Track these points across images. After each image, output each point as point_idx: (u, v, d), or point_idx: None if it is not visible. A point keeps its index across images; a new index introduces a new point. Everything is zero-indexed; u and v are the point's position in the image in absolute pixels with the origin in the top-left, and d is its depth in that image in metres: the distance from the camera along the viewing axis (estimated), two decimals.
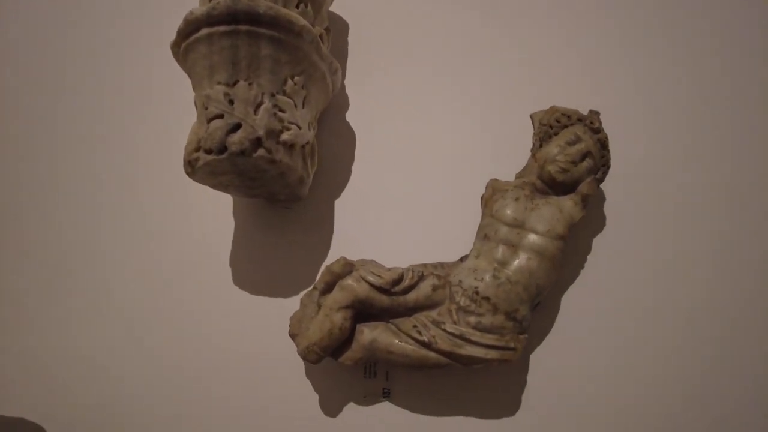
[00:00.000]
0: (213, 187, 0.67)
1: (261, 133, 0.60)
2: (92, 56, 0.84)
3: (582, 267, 0.71)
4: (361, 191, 0.75)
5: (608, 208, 0.73)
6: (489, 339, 0.61)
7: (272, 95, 0.63)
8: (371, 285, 0.62)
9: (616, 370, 0.68)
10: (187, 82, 0.67)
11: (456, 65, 0.80)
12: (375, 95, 0.79)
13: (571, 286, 0.71)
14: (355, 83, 0.80)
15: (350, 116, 0.79)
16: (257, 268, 0.73)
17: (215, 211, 0.75)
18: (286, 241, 0.73)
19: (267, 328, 0.69)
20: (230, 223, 0.75)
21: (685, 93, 0.78)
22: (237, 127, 0.60)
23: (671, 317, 0.69)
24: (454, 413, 0.67)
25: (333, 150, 0.77)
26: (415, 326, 0.62)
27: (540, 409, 0.66)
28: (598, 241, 0.72)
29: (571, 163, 0.66)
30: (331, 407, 0.67)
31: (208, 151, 0.60)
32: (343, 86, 0.80)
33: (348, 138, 0.78)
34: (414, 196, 0.75)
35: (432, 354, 0.61)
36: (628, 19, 0.82)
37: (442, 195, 0.74)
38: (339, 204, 0.75)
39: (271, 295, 0.72)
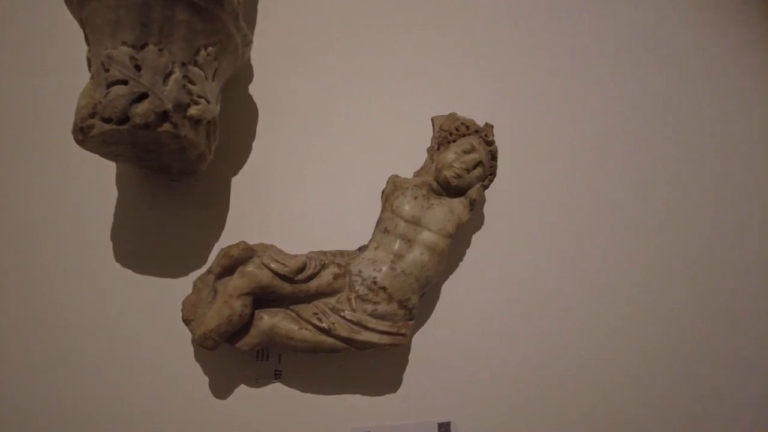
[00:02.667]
0: (102, 155, 0.61)
1: (169, 106, 0.56)
2: None
3: (461, 260, 0.80)
4: (260, 169, 0.74)
5: (487, 210, 0.83)
6: (383, 325, 0.66)
7: (183, 65, 0.58)
8: (274, 273, 0.63)
9: (488, 352, 0.77)
10: (75, 32, 0.58)
11: (368, 51, 0.82)
12: (282, 69, 0.77)
13: (450, 276, 0.79)
14: (262, 54, 0.77)
15: (254, 89, 0.76)
16: (144, 246, 0.68)
17: (95, 180, 0.68)
18: (176, 218, 0.69)
19: (154, 309, 0.66)
20: (112, 194, 0.68)
21: (572, 112, 0.89)
22: (143, 96, 0.55)
23: (537, 306, 0.80)
24: (342, 392, 0.71)
25: (233, 124, 0.73)
26: (315, 313, 0.64)
27: (420, 387, 0.74)
28: (476, 238, 0.81)
29: (464, 170, 0.72)
30: (222, 390, 0.67)
31: (107, 120, 0.55)
32: (248, 57, 0.76)
33: (250, 112, 0.75)
34: (314, 179, 0.76)
35: (330, 339, 0.64)
36: (533, 35, 0.90)
37: (342, 182, 0.76)
38: (236, 181, 0.73)
39: (158, 275, 0.68)
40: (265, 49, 0.77)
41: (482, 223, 0.82)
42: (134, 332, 0.66)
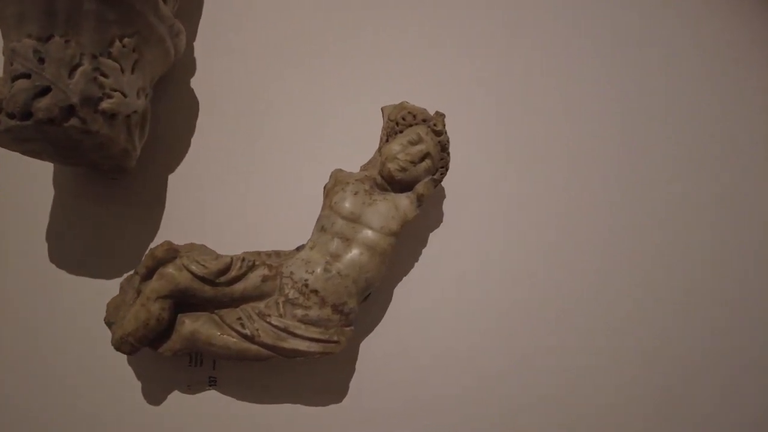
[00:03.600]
0: (23, 153, 0.59)
1: (75, 100, 0.54)
2: None
3: (416, 260, 0.74)
4: (199, 166, 0.71)
5: (447, 206, 0.77)
6: (313, 332, 0.61)
7: (94, 57, 0.56)
8: (194, 275, 0.59)
9: (442, 360, 0.72)
10: None
11: (316, 43, 0.78)
12: (225, 62, 0.74)
13: (405, 277, 0.74)
14: (206, 46, 0.75)
15: (195, 82, 0.73)
16: (77, 245, 0.66)
17: (30, 177, 0.67)
18: (111, 216, 0.67)
19: (85, 312, 0.64)
20: (48, 191, 0.67)
21: (539, 104, 0.83)
22: (46, 90, 0.53)
23: (496, 312, 0.74)
24: (282, 401, 0.67)
25: (171, 118, 0.71)
26: (239, 318, 0.60)
27: (366, 397, 0.69)
28: (434, 237, 0.76)
29: (410, 163, 0.67)
30: (154, 396, 0.64)
31: (11, 116, 0.53)
32: (192, 48, 0.74)
33: (190, 106, 0.72)
34: (256, 177, 0.72)
35: (254, 347, 0.60)
36: (494, 20, 0.85)
37: (285, 179, 0.72)
38: (173, 178, 0.70)
39: (91, 276, 0.66)
40: (210, 41, 0.75)
41: (441, 221, 0.76)
42: (64, 335, 0.64)
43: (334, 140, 0.75)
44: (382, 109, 0.72)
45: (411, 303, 0.73)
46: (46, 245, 0.66)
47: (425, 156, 0.68)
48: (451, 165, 0.75)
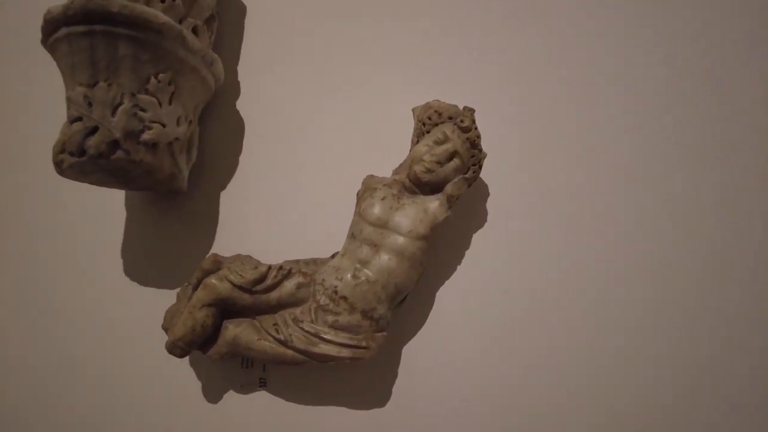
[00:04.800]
0: (92, 183, 0.68)
1: (118, 135, 0.61)
2: None
3: (459, 263, 0.72)
4: (247, 183, 0.76)
5: (491, 205, 0.73)
6: (343, 337, 0.62)
7: (132, 95, 0.63)
8: (233, 284, 0.64)
9: (486, 367, 0.69)
10: None
11: (353, 58, 0.79)
12: (266, 84, 0.79)
13: (447, 281, 0.72)
14: (248, 71, 0.79)
15: (240, 105, 0.78)
16: (144, 259, 0.75)
17: (106, 202, 0.77)
18: (171, 232, 0.75)
19: (154, 320, 0.72)
20: (119, 214, 0.76)
21: (580, 90, 0.76)
22: (95, 130, 0.61)
23: (547, 315, 0.70)
24: (327, 403, 0.69)
25: (220, 140, 0.77)
26: (275, 324, 0.64)
27: (409, 401, 0.69)
28: (477, 238, 0.72)
29: (436, 164, 0.65)
30: (211, 395, 0.71)
31: (71, 154, 0.61)
32: (235, 73, 0.79)
33: (237, 128, 0.78)
34: (301, 189, 0.75)
35: (289, 351, 0.63)
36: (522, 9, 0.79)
37: (327, 191, 0.74)
38: (225, 196, 0.76)
39: (159, 287, 0.74)
40: (251, 65, 0.79)
41: (485, 221, 0.73)
42: (134, 340, 0.72)
43: (374, 149, 0.75)
44: (412, 110, 0.71)
45: (453, 306, 0.71)
46: (121, 260, 0.75)
47: (453, 155, 0.65)
48: (493, 163, 0.71)
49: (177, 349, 0.65)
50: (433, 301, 0.71)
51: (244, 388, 0.70)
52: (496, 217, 0.73)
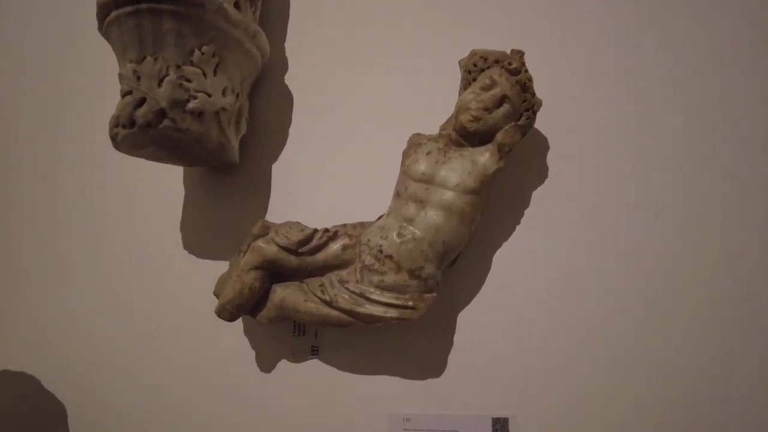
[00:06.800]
0: (147, 158, 0.71)
1: (164, 104, 0.63)
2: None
3: (517, 223, 0.66)
4: (297, 155, 0.76)
5: (552, 159, 0.67)
6: (388, 297, 0.59)
7: (178, 67, 0.65)
8: (279, 246, 0.63)
9: (545, 331, 0.63)
10: None
11: (396, 25, 0.77)
12: (313, 58, 0.79)
13: (504, 243, 0.66)
14: (296, 47, 0.80)
15: (289, 79, 0.79)
16: (205, 233, 0.77)
17: (165, 179, 0.80)
18: (229, 207, 0.76)
19: (210, 291, 0.73)
20: (180, 190, 0.79)
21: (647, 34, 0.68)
22: (143, 101, 0.63)
23: (608, 276, 0.63)
24: (380, 372, 0.66)
25: (271, 115, 0.78)
26: (321, 285, 0.62)
27: (465, 372, 0.64)
28: (537, 196, 0.66)
29: (484, 110, 0.60)
30: (264, 365, 0.70)
31: (124, 126, 0.64)
32: (283, 49, 0.80)
33: (286, 102, 0.78)
34: (350, 159, 0.74)
35: (334, 312, 0.61)
36: None
37: (377, 159, 0.72)
38: (276, 168, 0.76)
39: (215, 258, 0.75)
40: (298, 39, 0.80)
41: (545, 177, 0.67)
42: (191, 311, 0.74)
43: (422, 115, 0.71)
44: (459, 63, 0.67)
45: (511, 270, 0.65)
46: (180, 234, 0.78)
47: (502, 100, 0.61)
48: (554, 113, 0.65)
49: (226, 312, 0.65)
50: (490, 264, 0.66)
51: (297, 356, 0.69)
52: (557, 173, 0.66)
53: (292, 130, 0.77)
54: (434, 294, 0.60)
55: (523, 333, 0.63)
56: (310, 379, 0.68)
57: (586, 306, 0.63)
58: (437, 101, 0.69)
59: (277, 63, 0.79)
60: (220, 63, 0.68)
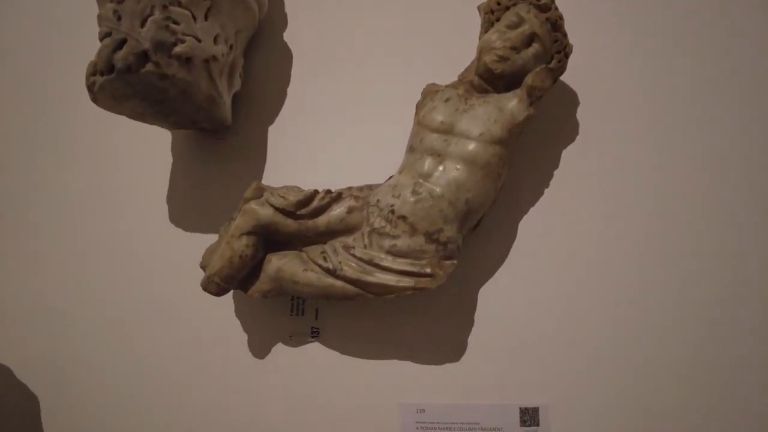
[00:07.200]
0: (129, 116, 0.63)
1: (147, 45, 0.55)
2: None
3: (547, 186, 0.58)
4: (295, 117, 0.68)
5: (582, 116, 0.59)
6: (402, 264, 0.51)
7: (164, 7, 0.57)
8: (275, 207, 0.55)
9: (580, 309, 0.55)
10: None
11: None
12: (313, 15, 0.71)
13: (531, 209, 0.58)
14: (295, 2, 0.72)
15: (288, 36, 0.71)
16: (195, 201, 0.68)
17: (153, 145, 0.72)
18: (221, 172, 0.68)
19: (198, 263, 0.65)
20: (168, 157, 0.71)
21: None
22: (123, 42, 0.56)
23: (652, 245, 0.55)
24: (389, 357, 0.58)
25: (267, 72, 0.70)
26: (323, 252, 0.54)
27: (487, 353, 0.55)
28: (567, 156, 0.59)
29: (511, 50, 0.53)
30: (257, 348, 0.61)
31: (101, 73, 0.57)
32: (283, 5, 0.73)
33: (284, 60, 0.70)
34: (351, 122, 0.66)
35: (338, 282, 0.52)
36: None
37: (380, 122, 0.65)
38: (273, 130, 0.68)
39: (205, 230, 0.67)
40: None
41: (576, 135, 0.59)
42: (178, 285, 0.65)
43: (430, 77, 0.63)
44: (478, 8, 0.60)
45: (541, 239, 0.57)
46: (167, 204, 0.69)
47: (531, 38, 0.53)
48: (586, 65, 0.58)
49: (213, 284, 0.56)
50: (516, 232, 0.58)
51: (295, 340, 0.60)
52: (590, 132, 0.59)
53: (290, 90, 0.69)
54: (455, 261, 0.52)
55: (554, 311, 0.55)
56: (310, 365, 0.59)
57: (627, 279, 0.55)
58: (454, 53, 0.62)
59: (277, 19, 0.72)
60: (212, 7, 0.61)
